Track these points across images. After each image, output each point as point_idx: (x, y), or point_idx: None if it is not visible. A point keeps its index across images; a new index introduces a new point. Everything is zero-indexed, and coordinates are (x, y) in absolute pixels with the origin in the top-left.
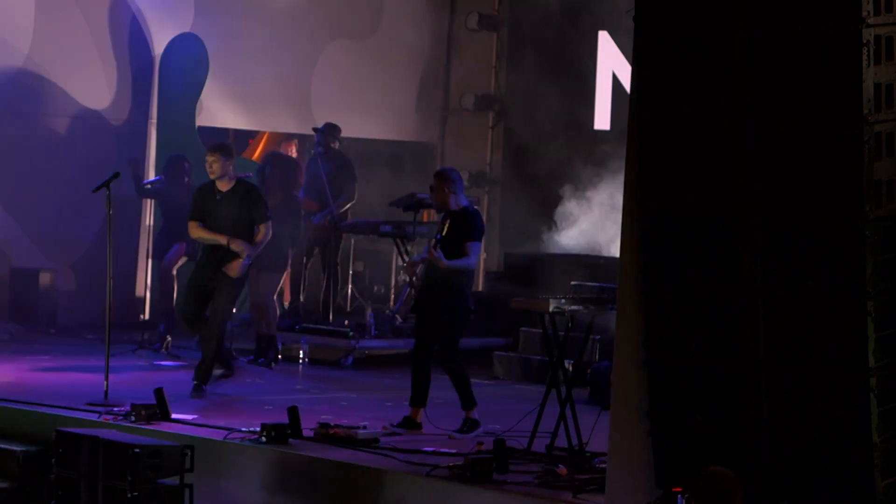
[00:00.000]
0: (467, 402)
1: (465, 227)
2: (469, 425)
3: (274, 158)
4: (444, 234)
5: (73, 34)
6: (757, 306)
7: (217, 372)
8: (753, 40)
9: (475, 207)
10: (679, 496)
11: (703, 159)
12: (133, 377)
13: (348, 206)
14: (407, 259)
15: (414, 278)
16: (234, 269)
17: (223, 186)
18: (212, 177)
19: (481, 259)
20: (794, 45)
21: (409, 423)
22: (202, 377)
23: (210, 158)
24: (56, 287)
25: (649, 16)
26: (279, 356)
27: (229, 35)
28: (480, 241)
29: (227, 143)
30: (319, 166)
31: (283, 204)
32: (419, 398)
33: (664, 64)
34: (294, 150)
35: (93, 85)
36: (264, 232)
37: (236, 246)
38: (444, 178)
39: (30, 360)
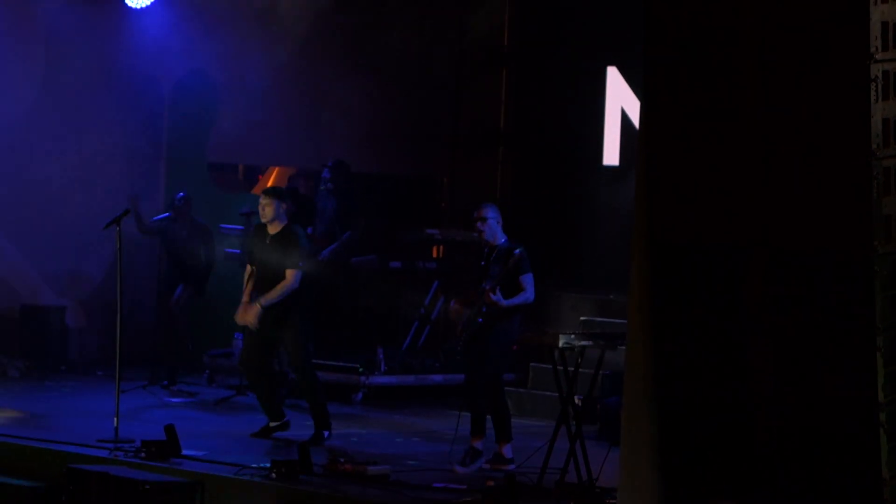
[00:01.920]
0: (477, 429)
1: (514, 264)
2: (471, 455)
3: (290, 195)
4: (490, 273)
5: (84, 71)
6: (765, 339)
7: (273, 424)
8: (764, 73)
9: (515, 241)
10: None
11: (711, 192)
12: (143, 414)
13: (355, 239)
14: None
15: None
16: (252, 315)
17: (273, 230)
18: (263, 220)
19: None
20: (804, 80)
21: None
22: (320, 423)
23: (263, 202)
24: (66, 324)
25: (658, 50)
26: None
27: (239, 71)
28: (531, 272)
29: (281, 187)
30: (328, 202)
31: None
32: (479, 428)
33: (672, 98)
34: (303, 185)
35: (104, 121)
36: (288, 278)
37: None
38: (494, 211)
39: (40, 397)
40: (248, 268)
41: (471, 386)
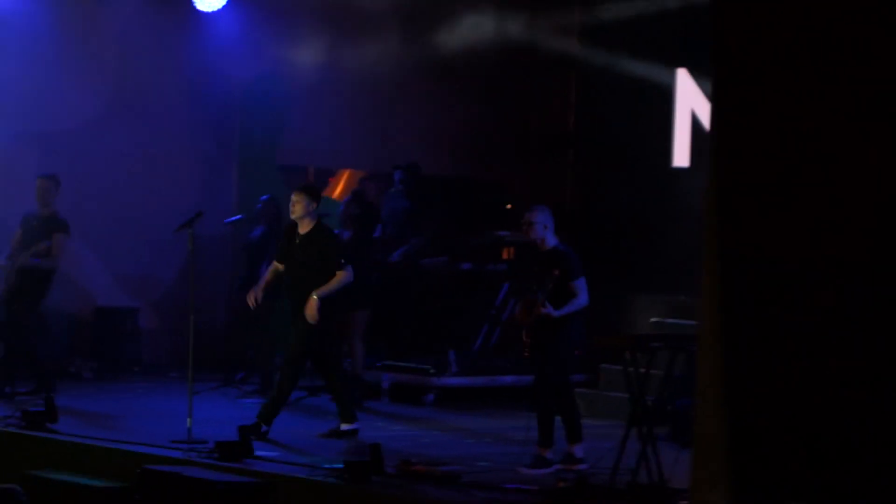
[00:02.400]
0: (544, 439)
1: (565, 268)
2: (539, 462)
3: (356, 198)
4: (549, 278)
5: (156, 74)
6: (834, 345)
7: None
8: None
9: (565, 245)
10: None
11: (781, 201)
12: (217, 414)
13: (425, 243)
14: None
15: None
16: (311, 308)
17: (303, 228)
18: (293, 217)
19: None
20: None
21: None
22: (345, 418)
23: (294, 198)
24: (139, 325)
25: (728, 52)
26: (362, 396)
27: (310, 74)
28: (583, 275)
29: (315, 184)
30: (398, 204)
31: (364, 243)
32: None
33: (744, 101)
34: (373, 187)
35: (175, 124)
36: (339, 278)
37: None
38: (540, 215)
39: (114, 398)
40: (274, 264)
41: (536, 392)
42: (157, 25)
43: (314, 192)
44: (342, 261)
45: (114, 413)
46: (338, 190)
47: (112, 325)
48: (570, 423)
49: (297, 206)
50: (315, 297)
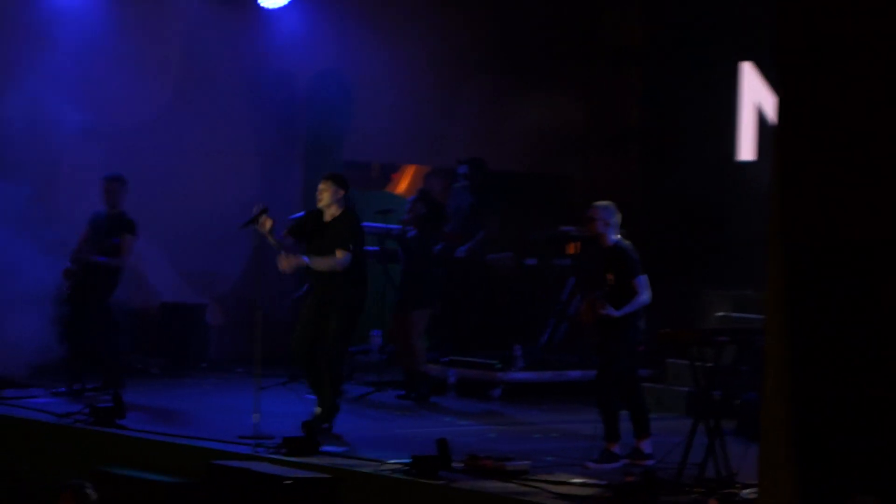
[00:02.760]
0: (610, 433)
1: (624, 266)
2: (605, 457)
3: (423, 197)
4: (605, 281)
5: (221, 70)
6: None
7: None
8: None
9: (625, 242)
10: None
11: (849, 190)
12: (284, 410)
13: (491, 238)
14: (583, 309)
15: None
16: (291, 261)
17: (327, 217)
18: (319, 205)
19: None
20: None
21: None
22: (321, 420)
23: (322, 186)
24: (206, 321)
25: (792, 43)
26: (429, 392)
27: (374, 69)
28: (643, 273)
29: (341, 174)
30: (463, 200)
31: (429, 243)
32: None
33: (809, 92)
34: (437, 183)
35: (241, 121)
36: (336, 256)
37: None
38: (602, 212)
39: (181, 394)
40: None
41: (601, 389)
42: (221, 23)
43: (341, 180)
44: (350, 245)
45: (181, 409)
46: (401, 185)
47: (178, 322)
48: (637, 418)
49: (325, 195)
50: (303, 259)
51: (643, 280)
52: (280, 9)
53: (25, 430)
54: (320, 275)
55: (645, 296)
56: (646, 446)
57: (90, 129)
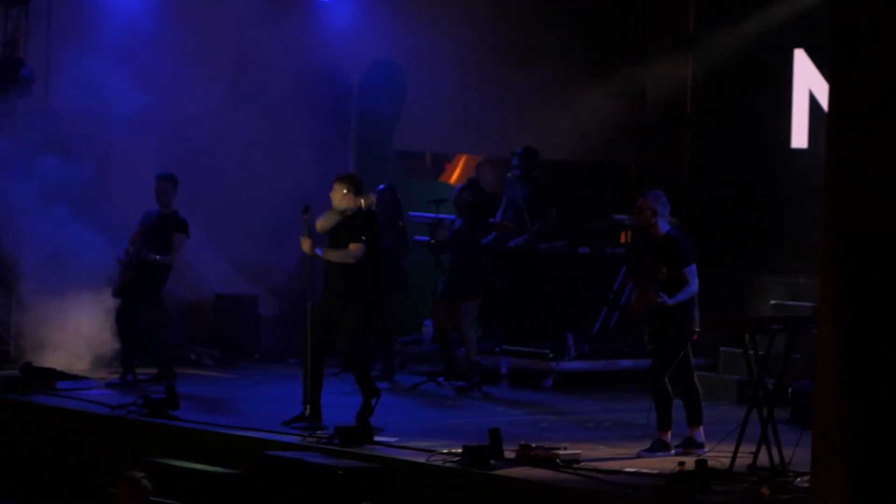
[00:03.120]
0: (662, 422)
1: (675, 256)
2: (657, 446)
3: (471, 185)
4: (657, 270)
5: (274, 61)
6: None
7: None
8: None
9: (676, 231)
10: None
11: None
12: (337, 400)
13: (547, 228)
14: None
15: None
16: (307, 245)
17: (344, 215)
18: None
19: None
20: None
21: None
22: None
23: (334, 187)
24: (259, 312)
25: (846, 31)
26: (481, 381)
27: (425, 59)
28: (694, 262)
29: (356, 176)
30: (516, 190)
31: (477, 231)
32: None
33: (863, 79)
34: (490, 173)
35: (293, 112)
36: (351, 248)
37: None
38: (653, 201)
39: (234, 385)
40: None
41: (654, 378)
42: (274, 14)
43: (351, 180)
44: (363, 237)
45: (234, 399)
46: (455, 175)
47: (231, 313)
48: (691, 407)
49: (334, 196)
50: (317, 250)
51: (693, 270)
52: (332, 0)
53: (80, 422)
54: (333, 268)
55: (694, 285)
56: (698, 435)
57: (144, 120)
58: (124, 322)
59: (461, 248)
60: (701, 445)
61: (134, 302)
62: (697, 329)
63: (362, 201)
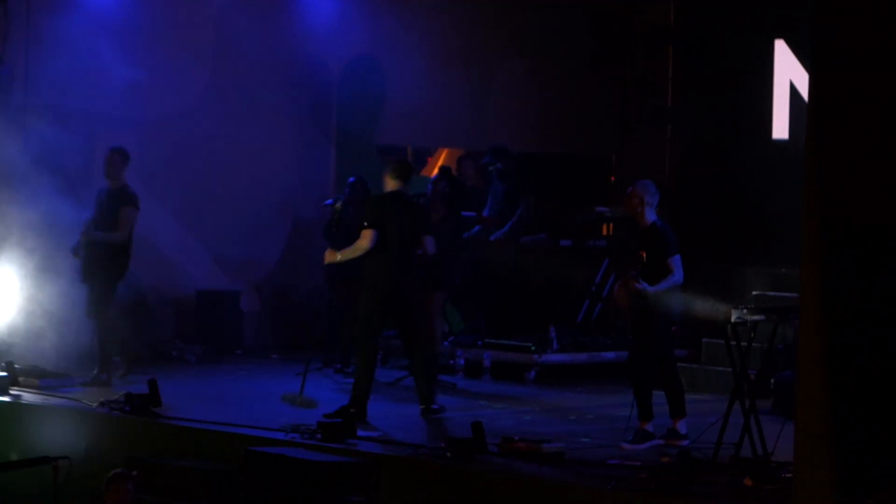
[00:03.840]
0: (643, 412)
1: (660, 245)
2: (639, 437)
3: (445, 176)
4: (639, 258)
5: (253, 59)
6: None
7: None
8: None
9: (661, 222)
10: None
11: (884, 167)
12: (320, 396)
13: (528, 219)
14: (617, 290)
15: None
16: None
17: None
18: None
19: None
20: None
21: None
22: (426, 399)
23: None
24: (241, 308)
25: (827, 22)
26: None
27: (406, 53)
28: (678, 252)
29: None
30: (496, 187)
31: (453, 223)
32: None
33: (844, 71)
34: (471, 165)
35: (274, 107)
36: (359, 241)
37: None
38: (642, 190)
39: (217, 381)
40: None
41: (633, 368)
42: (253, 8)
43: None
44: (364, 223)
45: (217, 396)
46: (436, 169)
47: (214, 309)
48: (673, 399)
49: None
50: (338, 255)
51: (678, 260)
52: None
53: (63, 420)
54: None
55: (679, 275)
56: (681, 427)
57: (125, 117)
58: (91, 311)
59: (440, 239)
60: (684, 437)
61: (95, 288)
62: (677, 321)
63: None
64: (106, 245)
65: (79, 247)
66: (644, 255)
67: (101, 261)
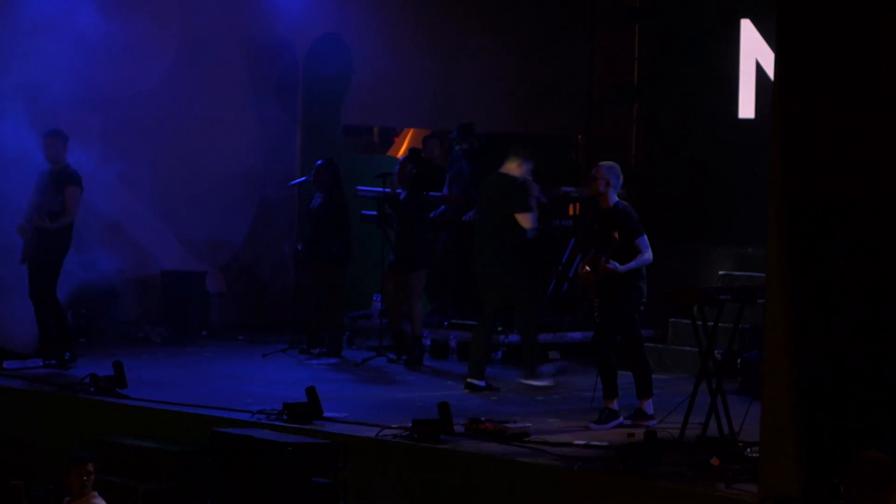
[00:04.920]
0: (608, 391)
1: (627, 226)
2: (606, 416)
3: (413, 156)
4: (612, 239)
5: (218, 38)
6: None
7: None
8: None
9: (624, 203)
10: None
11: (850, 145)
12: (285, 376)
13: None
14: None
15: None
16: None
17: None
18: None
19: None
20: None
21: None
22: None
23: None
24: (207, 289)
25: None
26: (424, 356)
27: (371, 33)
28: (644, 232)
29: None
30: (462, 164)
31: (421, 203)
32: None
33: (808, 49)
34: (437, 145)
35: (239, 87)
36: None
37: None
38: (607, 172)
39: (183, 362)
40: None
41: (598, 347)
42: None
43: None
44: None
45: (183, 377)
46: (402, 149)
47: (179, 290)
48: (640, 378)
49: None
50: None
51: (645, 240)
52: None
53: (27, 401)
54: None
55: (648, 254)
56: (648, 406)
57: (89, 96)
58: (35, 294)
59: (407, 220)
60: (650, 417)
61: (41, 271)
62: (644, 300)
63: None
64: (50, 231)
65: (24, 226)
66: (617, 235)
67: (46, 242)
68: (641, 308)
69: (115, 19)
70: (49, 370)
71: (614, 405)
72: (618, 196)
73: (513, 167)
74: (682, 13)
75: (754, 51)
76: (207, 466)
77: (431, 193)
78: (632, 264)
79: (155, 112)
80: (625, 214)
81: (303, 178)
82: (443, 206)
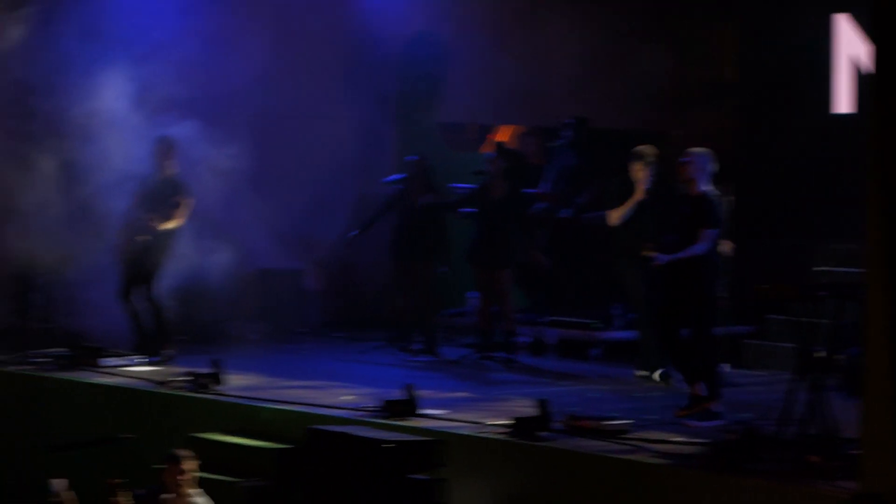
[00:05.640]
0: (711, 391)
1: (701, 214)
2: (705, 414)
3: (501, 151)
4: (678, 221)
5: (313, 36)
6: None
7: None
8: None
9: (714, 192)
10: None
11: None
12: (383, 373)
13: (592, 199)
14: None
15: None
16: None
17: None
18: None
19: (729, 248)
20: None
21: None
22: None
23: (636, 166)
24: (303, 286)
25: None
26: (519, 353)
27: (467, 29)
28: (716, 228)
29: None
30: (566, 160)
31: (509, 198)
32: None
33: None
34: (532, 142)
35: (333, 84)
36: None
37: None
38: (697, 158)
39: (279, 360)
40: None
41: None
42: None
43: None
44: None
45: (279, 374)
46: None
47: (276, 287)
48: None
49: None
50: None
51: (711, 234)
52: None
53: (125, 399)
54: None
55: (700, 247)
56: (701, 389)
57: (186, 98)
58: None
59: (496, 216)
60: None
61: (143, 272)
62: (714, 296)
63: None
64: (162, 234)
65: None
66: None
67: (152, 244)
68: (721, 303)
69: (210, 19)
70: (147, 367)
71: (716, 407)
72: (710, 190)
73: (638, 169)
74: (778, 7)
75: (851, 46)
76: (305, 464)
77: (526, 190)
78: (679, 254)
79: (252, 110)
80: (709, 203)
81: (398, 176)
82: (539, 204)
